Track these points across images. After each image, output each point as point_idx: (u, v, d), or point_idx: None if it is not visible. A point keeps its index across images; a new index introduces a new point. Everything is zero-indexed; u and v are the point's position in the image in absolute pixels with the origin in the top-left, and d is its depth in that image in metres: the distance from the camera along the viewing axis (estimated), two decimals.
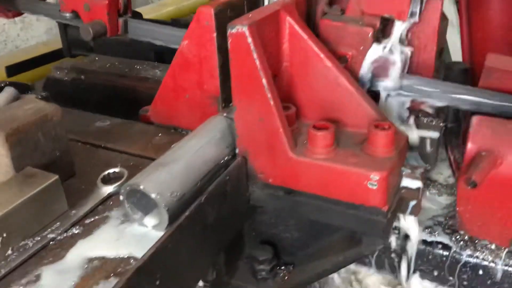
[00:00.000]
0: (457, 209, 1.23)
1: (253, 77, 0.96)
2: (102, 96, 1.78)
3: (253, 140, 1.04)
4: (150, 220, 0.97)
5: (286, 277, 1.28)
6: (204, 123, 1.12)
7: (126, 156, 1.19)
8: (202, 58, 1.18)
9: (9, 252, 0.91)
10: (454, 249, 1.43)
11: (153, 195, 0.91)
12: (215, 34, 1.14)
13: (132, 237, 0.95)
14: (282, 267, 1.31)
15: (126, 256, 0.90)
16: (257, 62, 0.95)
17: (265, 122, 1.00)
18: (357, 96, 1.06)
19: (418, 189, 1.06)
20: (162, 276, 0.84)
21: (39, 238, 0.94)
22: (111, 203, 1.05)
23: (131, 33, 1.52)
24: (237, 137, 1.06)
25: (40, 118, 1.03)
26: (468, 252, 1.25)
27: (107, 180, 1.09)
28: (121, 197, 0.95)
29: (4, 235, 0.89)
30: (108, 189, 1.07)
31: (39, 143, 1.04)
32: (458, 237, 1.47)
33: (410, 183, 1.07)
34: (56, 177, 0.98)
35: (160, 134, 1.31)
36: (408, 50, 1.19)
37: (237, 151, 1.08)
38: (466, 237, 1.25)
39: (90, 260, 0.90)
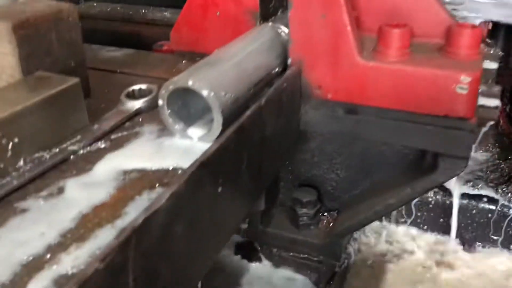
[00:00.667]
0: None
1: None
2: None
3: (312, 45, 0.87)
4: (195, 131, 0.79)
5: (331, 224, 1.12)
6: (248, 32, 0.95)
7: (149, 79, 1.00)
8: None
9: (21, 163, 0.71)
10: (502, 202, 1.29)
11: (204, 93, 0.73)
12: None
13: (175, 149, 0.77)
14: (325, 214, 1.14)
15: (171, 168, 0.72)
16: None
17: (328, 19, 0.84)
18: (430, 0, 0.91)
19: (496, 107, 0.91)
20: (224, 181, 0.66)
21: (57, 150, 0.76)
22: (140, 119, 0.87)
23: None
24: (291, 43, 0.90)
25: (54, 14, 0.84)
26: None
27: (133, 97, 0.91)
28: (160, 102, 0.78)
29: (16, 140, 0.70)
30: (135, 104, 0.88)
31: (51, 46, 0.85)
32: (504, 189, 1.33)
33: (487, 101, 0.92)
34: (77, 80, 0.80)
35: (184, 61, 1.13)
36: None
37: (289, 62, 0.91)
38: None
39: (126, 172, 0.72)
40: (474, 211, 1.35)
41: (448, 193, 1.37)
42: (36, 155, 0.74)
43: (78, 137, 0.79)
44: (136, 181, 0.69)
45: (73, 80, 0.79)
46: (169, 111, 0.78)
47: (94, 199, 0.66)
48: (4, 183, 0.68)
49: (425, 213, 1.40)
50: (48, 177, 0.71)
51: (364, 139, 0.94)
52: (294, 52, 0.89)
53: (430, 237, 1.38)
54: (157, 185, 0.68)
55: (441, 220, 1.39)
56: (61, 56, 0.88)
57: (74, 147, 0.77)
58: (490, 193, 1.35)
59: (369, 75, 0.85)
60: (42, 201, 0.66)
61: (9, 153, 0.70)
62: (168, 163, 0.73)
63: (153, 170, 0.72)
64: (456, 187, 1.29)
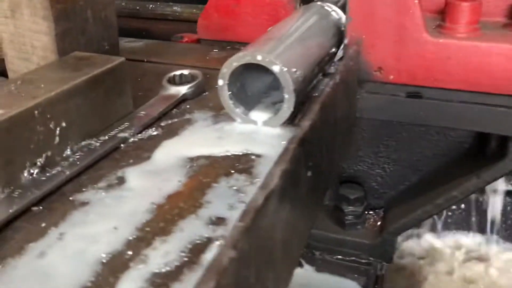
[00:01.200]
0: None
1: None
2: None
3: (373, 22, 0.80)
4: (258, 115, 0.71)
5: (378, 222, 1.04)
6: (296, 12, 0.88)
7: (182, 67, 0.91)
8: None
9: (68, 151, 0.61)
10: None
11: (276, 68, 0.65)
12: None
13: (239, 135, 0.68)
14: (371, 212, 1.07)
15: (241, 153, 0.63)
16: None
17: None
18: None
19: None
20: (312, 164, 0.58)
21: (106, 138, 0.66)
22: (188, 106, 0.78)
23: None
24: (349, 21, 0.82)
25: None
26: None
27: (174, 83, 0.82)
28: (220, 82, 0.69)
29: (63, 124, 0.60)
30: (181, 90, 0.79)
31: (87, 24, 0.76)
32: None
33: None
34: (122, 59, 0.70)
35: (215, 50, 1.04)
36: None
37: (346, 41, 0.84)
38: None
39: (191, 159, 0.62)
40: None
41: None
42: (83, 143, 0.64)
43: (126, 123, 0.70)
44: (206, 168, 0.60)
45: (119, 59, 0.70)
46: (229, 92, 0.69)
47: (165, 189, 0.56)
48: (55, 174, 0.58)
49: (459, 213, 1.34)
50: (102, 167, 0.61)
51: (427, 125, 0.87)
52: (353, 30, 0.82)
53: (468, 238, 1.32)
54: (232, 171, 0.59)
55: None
56: (95, 37, 0.78)
57: (125, 134, 0.67)
58: None
59: (438, 53, 0.79)
60: (103, 193, 0.56)
61: (57, 139, 0.60)
62: (236, 149, 0.64)
63: (222, 156, 0.63)
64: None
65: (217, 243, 0.47)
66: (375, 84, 0.85)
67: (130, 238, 0.48)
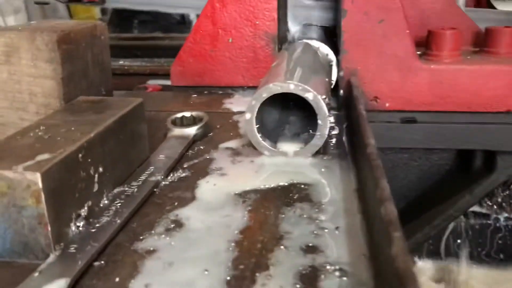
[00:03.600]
0: None
1: None
2: None
3: (368, 53, 0.84)
4: (287, 146, 0.69)
5: None
6: (287, 50, 0.89)
7: (169, 113, 0.87)
8: None
9: (105, 200, 0.55)
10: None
11: (310, 96, 0.64)
12: None
13: (273, 167, 0.66)
14: None
15: (288, 184, 0.61)
16: None
17: (387, 24, 0.82)
18: (458, 9, 0.94)
19: None
20: None
21: (139, 183, 0.60)
22: (201, 147, 0.74)
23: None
24: (344, 54, 0.85)
25: (89, 30, 0.70)
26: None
27: (180, 125, 0.78)
28: (247, 115, 0.67)
29: (100, 169, 0.54)
30: (191, 132, 0.75)
31: (87, 67, 0.71)
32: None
33: None
34: (141, 100, 0.66)
35: (194, 95, 1.02)
36: None
37: (341, 73, 0.86)
38: None
39: (239, 194, 0.59)
40: None
41: None
42: (116, 190, 0.58)
43: (151, 167, 0.64)
44: (262, 201, 0.57)
45: (138, 100, 0.65)
46: (257, 126, 0.67)
47: (233, 225, 0.52)
48: (103, 224, 0.51)
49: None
50: (147, 213, 0.55)
51: (424, 148, 0.91)
52: (348, 62, 0.85)
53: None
54: (291, 201, 0.57)
55: None
56: (95, 81, 0.73)
57: (156, 178, 0.62)
58: None
59: (431, 79, 0.83)
60: (166, 238, 0.50)
61: (96, 187, 0.53)
62: (279, 181, 0.62)
63: (270, 188, 0.60)
64: None
65: (332, 268, 0.44)
66: (372, 113, 0.87)
67: (229, 278, 0.43)
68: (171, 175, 0.64)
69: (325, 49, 0.91)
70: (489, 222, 1.37)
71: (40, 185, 0.44)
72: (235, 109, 0.92)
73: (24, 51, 0.64)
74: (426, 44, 0.87)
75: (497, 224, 1.38)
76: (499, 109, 0.84)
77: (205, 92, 1.04)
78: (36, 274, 0.43)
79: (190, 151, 0.73)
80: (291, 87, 0.64)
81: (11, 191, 0.44)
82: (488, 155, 0.92)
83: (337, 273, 0.43)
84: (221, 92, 1.04)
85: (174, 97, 1.02)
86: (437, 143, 0.88)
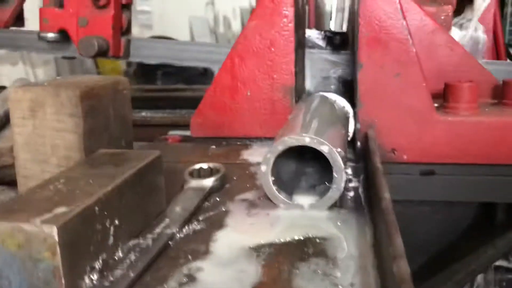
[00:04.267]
0: None
1: (394, 18, 0.81)
2: None
3: (385, 106, 0.85)
4: (303, 199, 0.69)
5: None
6: (306, 101, 0.90)
7: (188, 164, 0.88)
8: (274, 40, 0.99)
9: (120, 254, 0.55)
10: None
11: (325, 149, 0.65)
12: (293, 9, 0.97)
13: (289, 220, 0.66)
14: None
15: (303, 238, 0.60)
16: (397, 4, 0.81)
17: (403, 78, 0.83)
18: (475, 62, 0.95)
19: None
20: None
21: (154, 236, 0.60)
22: (217, 199, 0.74)
23: (134, 55, 1.27)
24: (360, 107, 0.86)
25: (112, 85, 0.73)
26: None
27: (197, 177, 0.79)
28: (263, 168, 0.67)
29: (116, 222, 0.55)
30: (207, 183, 0.76)
31: (109, 121, 0.73)
32: None
33: None
34: (158, 152, 0.67)
35: (212, 146, 1.03)
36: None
37: (358, 126, 0.87)
38: None
39: (254, 249, 0.58)
40: None
41: None
42: (131, 243, 0.58)
43: (166, 219, 0.65)
44: (276, 257, 0.57)
45: (156, 153, 0.66)
46: (273, 178, 0.68)
47: (246, 280, 0.52)
48: (117, 278, 0.51)
49: None
50: (161, 267, 0.55)
51: (441, 201, 0.90)
52: (364, 115, 0.86)
53: None
54: (306, 256, 0.56)
55: None
56: (115, 134, 0.75)
57: (171, 230, 0.62)
58: None
59: (448, 131, 0.83)
60: None
61: (111, 239, 0.54)
62: (295, 234, 0.61)
63: (285, 242, 0.60)
64: None
65: None
66: (389, 165, 0.87)
67: None
68: (186, 227, 0.65)
69: (342, 102, 0.93)
70: None
71: (56, 238, 0.45)
72: (252, 160, 0.93)
73: (49, 106, 0.66)
74: (443, 97, 0.87)
75: None
76: None
77: (224, 143, 1.06)
78: None
79: (206, 202, 0.73)
80: (307, 140, 0.65)
81: (28, 244, 0.45)
82: (510, 208, 0.90)
83: None
84: (239, 143, 1.05)
85: (193, 148, 1.04)
86: (457, 196, 0.87)
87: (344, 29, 1.06)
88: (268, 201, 0.71)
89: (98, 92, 0.69)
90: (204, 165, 0.81)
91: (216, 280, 0.52)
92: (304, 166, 0.82)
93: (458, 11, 1.13)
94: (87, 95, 0.67)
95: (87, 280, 0.49)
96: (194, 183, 0.77)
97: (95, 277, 0.50)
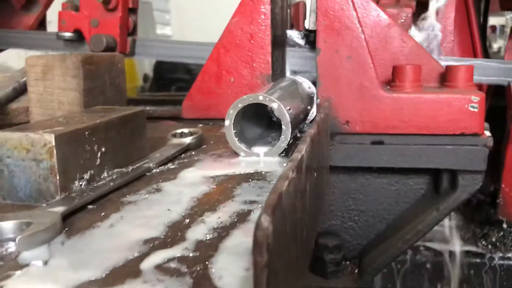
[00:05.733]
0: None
1: (345, 10, 0.97)
2: None
3: (339, 84, 1.00)
4: (259, 149, 0.84)
5: (355, 270, 1.14)
6: (275, 81, 1.06)
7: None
8: (254, 34, 1.16)
9: (105, 174, 0.71)
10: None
11: (275, 105, 0.80)
12: (270, 7, 1.14)
13: (246, 163, 0.81)
14: (347, 262, 1.17)
15: (253, 171, 0.76)
16: None
17: (354, 60, 0.98)
18: (424, 51, 1.10)
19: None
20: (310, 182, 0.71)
21: (134, 167, 0.76)
22: (193, 153, 0.90)
23: (139, 53, 1.45)
24: (319, 85, 1.02)
25: (109, 58, 0.90)
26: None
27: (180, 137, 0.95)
28: (226, 122, 0.83)
29: (103, 149, 0.71)
30: (186, 140, 0.92)
31: (105, 86, 0.90)
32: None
33: None
34: (142, 108, 0.84)
35: (200, 125, 1.19)
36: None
37: (317, 102, 1.02)
38: None
39: (213, 177, 0.74)
40: None
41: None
42: (115, 170, 0.74)
43: (146, 160, 0.80)
44: (228, 180, 0.72)
45: (140, 108, 0.83)
46: (234, 131, 0.83)
47: (199, 190, 0.67)
48: (100, 185, 0.67)
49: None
50: (136, 184, 0.71)
51: (390, 167, 1.04)
52: (323, 92, 1.01)
53: None
54: (250, 179, 0.71)
55: None
56: (111, 98, 0.91)
57: (149, 165, 0.78)
58: None
59: (393, 106, 0.98)
60: (146, 195, 0.65)
61: (98, 161, 0.70)
62: (247, 170, 0.76)
63: (237, 174, 0.75)
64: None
65: (259, 205, 0.58)
66: (344, 136, 1.02)
67: (184, 214, 0.58)
68: (162, 166, 0.80)
69: (307, 84, 1.08)
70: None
71: (53, 143, 0.61)
72: None
73: (57, 69, 0.84)
74: (392, 78, 1.02)
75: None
76: (454, 132, 0.97)
77: (210, 123, 1.22)
78: (44, 204, 0.59)
79: (183, 155, 0.89)
80: (260, 97, 0.81)
81: (33, 148, 0.61)
82: (452, 176, 1.03)
83: None
84: (222, 123, 1.21)
85: (182, 126, 1.20)
86: (403, 163, 1.01)
87: None
88: (233, 154, 0.86)
89: (96, 60, 0.86)
90: (185, 130, 0.97)
91: (177, 190, 0.67)
92: (270, 133, 0.97)
93: (418, 14, 1.29)
94: (87, 61, 0.84)
95: (76, 183, 0.65)
96: (175, 140, 0.92)
97: (83, 183, 0.66)
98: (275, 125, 0.99)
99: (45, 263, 0.46)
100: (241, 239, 0.50)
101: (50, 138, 0.61)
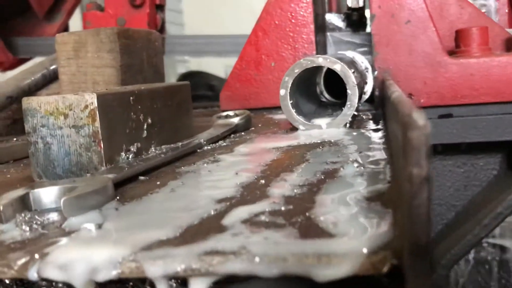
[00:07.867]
0: None
1: None
2: None
3: (398, 53, 0.90)
4: (320, 120, 0.74)
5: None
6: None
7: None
8: (294, 12, 1.07)
9: (153, 149, 0.62)
10: None
11: (338, 67, 0.70)
12: None
13: (308, 135, 0.71)
14: None
15: (320, 141, 0.65)
16: None
17: (413, 24, 0.88)
18: (485, 17, 0.99)
19: None
20: None
21: (183, 143, 0.66)
22: (242, 133, 0.80)
23: (169, 50, 1.37)
24: (376, 55, 0.92)
25: (146, 34, 0.82)
26: None
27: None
28: (282, 92, 0.73)
29: (149, 120, 0.61)
30: (234, 121, 0.82)
31: (143, 64, 0.81)
32: None
33: None
34: (187, 82, 0.74)
35: None
36: None
37: (375, 74, 0.92)
38: None
39: (275, 148, 0.63)
40: None
41: None
42: (163, 146, 0.64)
43: (195, 138, 0.71)
44: (294, 149, 0.62)
45: (185, 82, 0.74)
46: (291, 101, 0.73)
47: (266, 157, 0.57)
48: (150, 158, 0.57)
49: None
50: (189, 159, 0.61)
51: (461, 143, 0.92)
52: (380, 63, 0.91)
53: None
54: (320, 147, 0.61)
55: None
56: (149, 77, 0.83)
57: (200, 141, 0.68)
58: None
59: (461, 72, 0.87)
60: (205, 165, 0.55)
61: (145, 133, 0.60)
62: (314, 140, 0.66)
63: (305, 144, 0.65)
64: None
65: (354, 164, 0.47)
66: None
67: (256, 176, 0.48)
68: (212, 144, 0.71)
69: (359, 58, 0.98)
70: None
71: (96, 104, 0.52)
72: (277, 117, 0.99)
73: (90, 45, 0.75)
74: (455, 44, 0.92)
75: None
76: None
77: (252, 114, 1.12)
78: (88, 175, 0.50)
79: (232, 135, 0.79)
80: (320, 60, 0.71)
81: (72, 113, 0.52)
82: None
83: (355, 164, 0.47)
84: (265, 113, 1.11)
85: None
86: (475, 137, 0.89)
87: (361, 3, 1.13)
88: (289, 131, 0.75)
89: (132, 34, 0.78)
90: (231, 112, 0.88)
91: (238, 160, 0.57)
92: (325, 109, 0.87)
93: None
94: (123, 34, 0.75)
95: (123, 156, 0.56)
96: (221, 121, 0.83)
97: (130, 156, 0.57)
98: (326, 107, 0.89)
99: (99, 226, 0.36)
100: (342, 191, 0.39)
101: (92, 99, 0.52)
